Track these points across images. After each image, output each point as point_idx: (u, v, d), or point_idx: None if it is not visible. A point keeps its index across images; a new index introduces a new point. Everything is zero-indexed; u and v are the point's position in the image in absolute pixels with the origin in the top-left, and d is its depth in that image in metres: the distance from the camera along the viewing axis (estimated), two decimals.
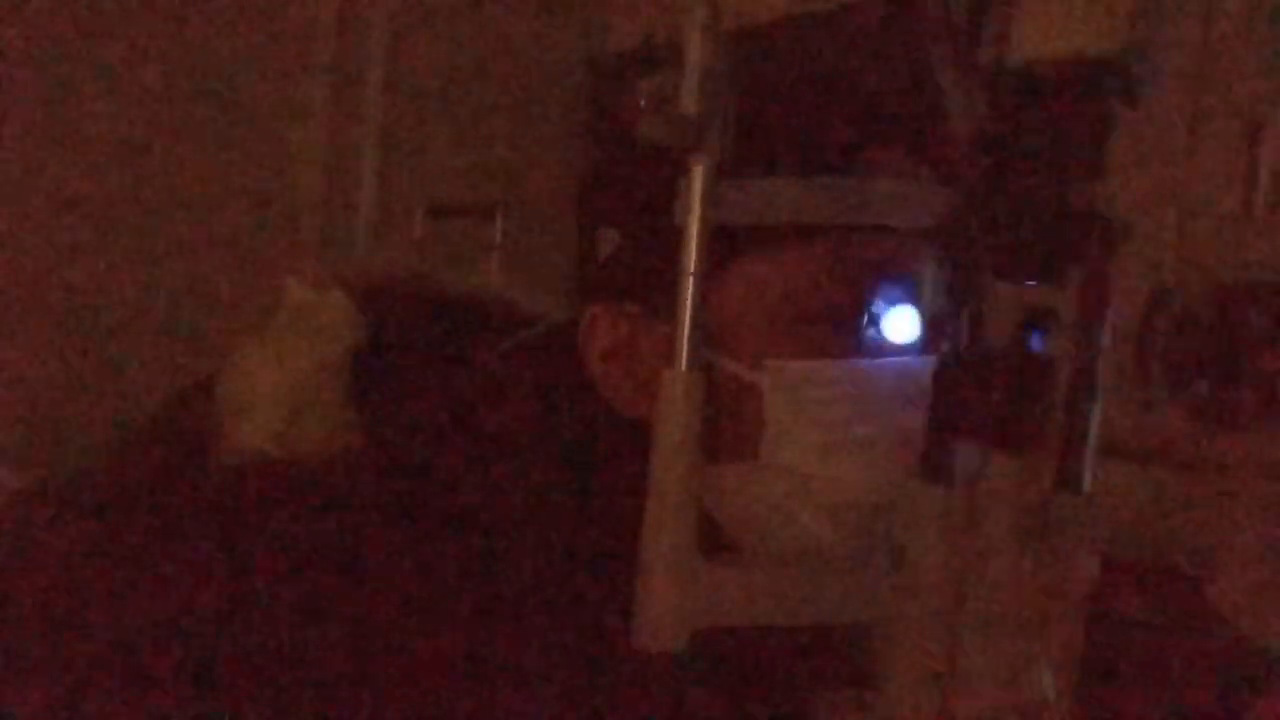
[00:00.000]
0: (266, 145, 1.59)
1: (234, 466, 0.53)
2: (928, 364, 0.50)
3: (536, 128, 1.82)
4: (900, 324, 0.50)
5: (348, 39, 1.66)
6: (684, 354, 0.47)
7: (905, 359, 0.49)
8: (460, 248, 1.71)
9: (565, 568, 0.51)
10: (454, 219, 1.69)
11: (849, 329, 0.49)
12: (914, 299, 0.50)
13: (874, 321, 0.49)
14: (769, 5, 1.33)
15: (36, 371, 1.37)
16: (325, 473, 0.52)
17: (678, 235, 0.47)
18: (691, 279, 0.46)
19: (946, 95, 0.57)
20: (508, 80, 1.80)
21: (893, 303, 0.50)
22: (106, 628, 0.46)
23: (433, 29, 1.73)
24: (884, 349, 0.49)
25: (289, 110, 1.62)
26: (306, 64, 1.63)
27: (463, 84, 1.78)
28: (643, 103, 0.42)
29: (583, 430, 0.53)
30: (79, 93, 1.40)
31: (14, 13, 1.34)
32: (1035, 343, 0.41)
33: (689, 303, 0.46)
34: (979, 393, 0.41)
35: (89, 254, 1.43)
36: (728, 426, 0.49)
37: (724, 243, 0.48)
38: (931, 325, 0.53)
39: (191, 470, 0.55)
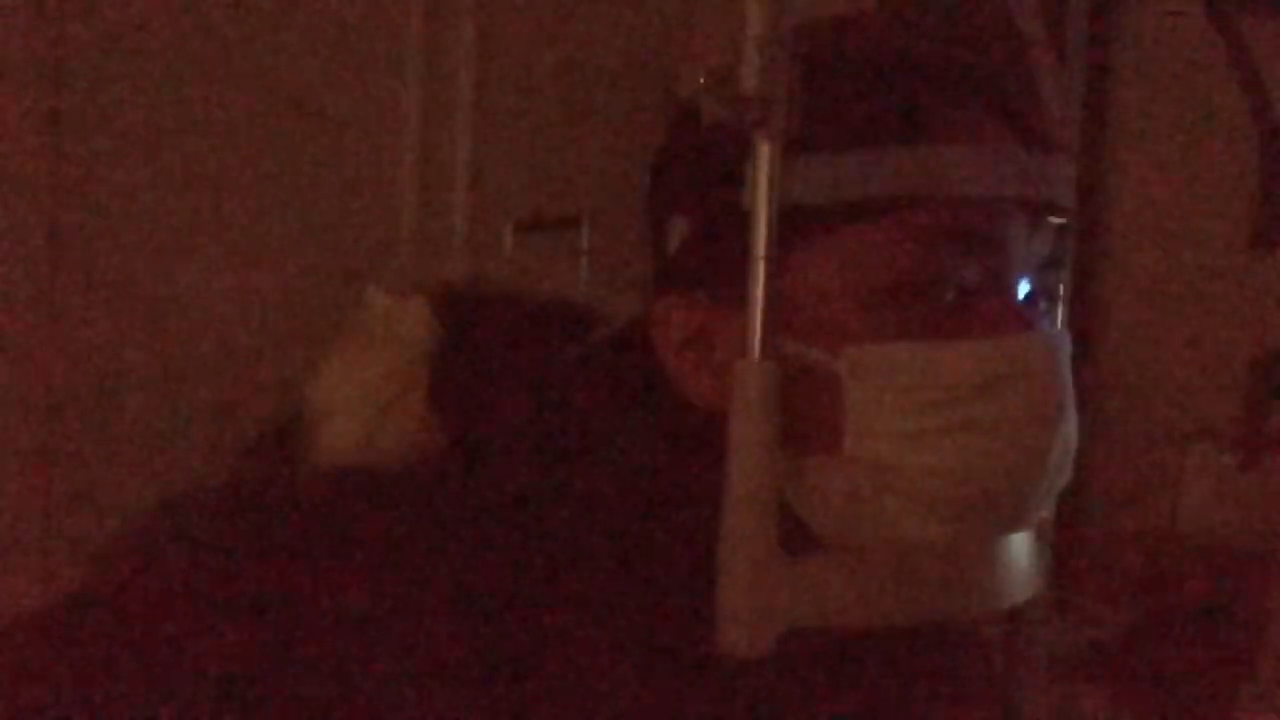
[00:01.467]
0: (359, 163, 1.62)
1: (319, 474, 0.53)
2: (1019, 341, 0.47)
3: (623, 137, 1.82)
4: (993, 300, 0.47)
5: (437, 56, 1.69)
6: (757, 343, 0.45)
7: (997, 339, 0.46)
8: (550, 261, 1.71)
9: (648, 568, 0.50)
10: (543, 232, 1.69)
11: (932, 306, 0.46)
12: (1004, 271, 0.47)
13: (961, 296, 0.46)
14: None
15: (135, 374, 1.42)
16: (408, 477, 0.52)
17: (747, 219, 0.45)
18: (763, 263, 0.44)
19: (1038, 67, 0.54)
20: (594, 91, 1.80)
21: (979, 275, 0.47)
22: (207, 654, 0.46)
23: (521, 38, 1.75)
24: (974, 327, 0.46)
25: (381, 127, 1.65)
26: (397, 79, 1.65)
27: (551, 95, 1.79)
28: (702, 81, 0.40)
29: (660, 425, 0.52)
30: (171, 105, 1.45)
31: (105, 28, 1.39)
32: None
33: (761, 288, 0.45)
34: None
35: (183, 267, 1.47)
36: (808, 417, 0.47)
37: (795, 224, 0.46)
38: (1029, 299, 0.50)
39: (283, 482, 0.55)
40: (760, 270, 0.44)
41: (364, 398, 0.55)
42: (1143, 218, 1.41)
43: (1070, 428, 0.47)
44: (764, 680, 0.47)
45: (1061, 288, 0.54)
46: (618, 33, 1.82)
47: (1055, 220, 0.49)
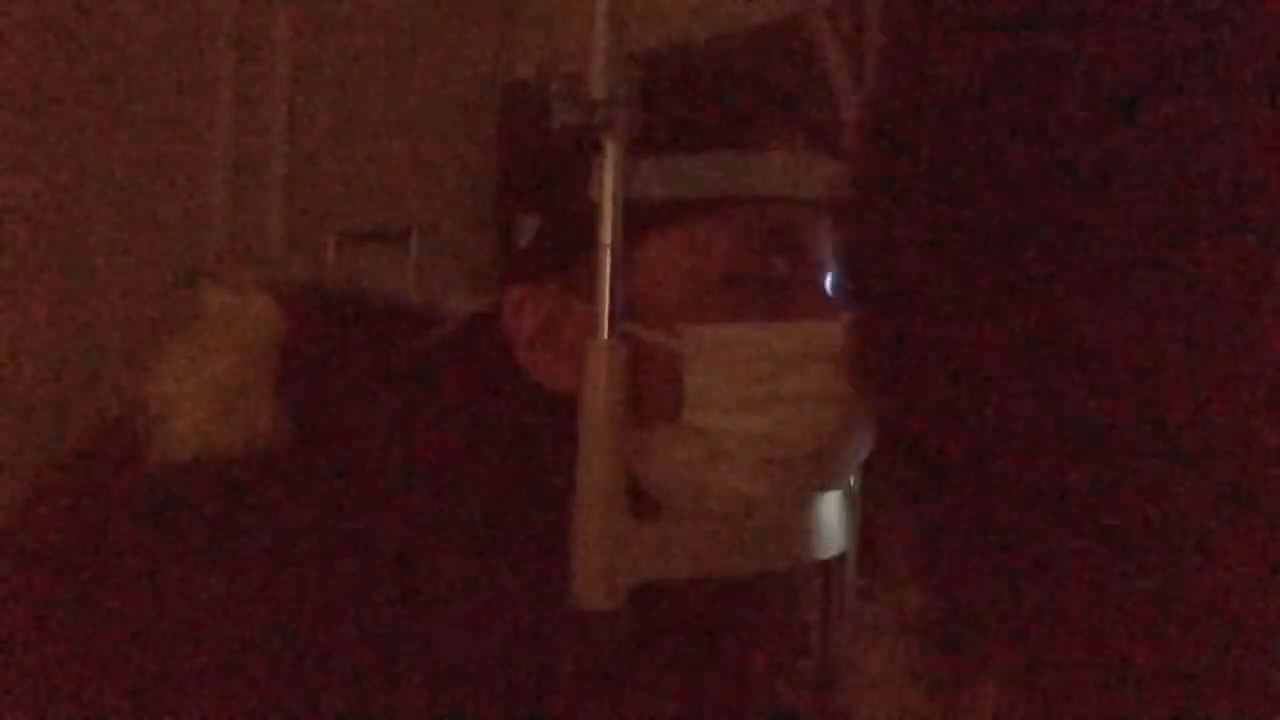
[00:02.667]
0: (170, 161, 1.58)
1: (162, 471, 0.53)
2: (828, 326, 0.53)
3: (447, 149, 1.83)
4: (807, 288, 0.54)
5: (251, 63, 1.66)
6: (605, 324, 0.49)
7: (814, 321, 0.53)
8: (373, 273, 1.70)
9: (504, 540, 0.53)
10: (367, 244, 1.68)
11: (756, 293, 0.52)
12: (814, 265, 0.54)
13: (780, 285, 0.53)
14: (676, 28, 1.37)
15: None
16: (250, 471, 0.52)
17: (594, 213, 0.50)
18: (609, 252, 0.49)
19: (840, 89, 0.62)
20: (416, 101, 1.81)
21: (793, 268, 0.53)
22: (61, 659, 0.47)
23: (339, 50, 1.74)
24: (794, 312, 0.53)
25: (192, 126, 1.60)
26: (208, 76, 1.61)
27: (371, 105, 1.78)
28: (554, 88, 0.45)
29: (512, 410, 0.55)
30: None
31: None
32: None
33: (608, 275, 0.49)
34: None
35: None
36: (651, 394, 0.52)
37: (637, 218, 0.51)
38: (835, 289, 0.56)
39: (125, 479, 0.55)
40: (608, 258, 0.49)
41: (207, 394, 0.54)
42: None
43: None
44: (623, 636, 0.52)
45: None
46: (441, 40, 1.84)
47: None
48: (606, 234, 0.49)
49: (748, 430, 0.51)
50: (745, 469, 0.52)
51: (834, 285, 0.56)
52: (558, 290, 0.54)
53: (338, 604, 0.49)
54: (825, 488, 0.55)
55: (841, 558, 0.70)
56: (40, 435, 1.31)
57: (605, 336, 0.49)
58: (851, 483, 0.65)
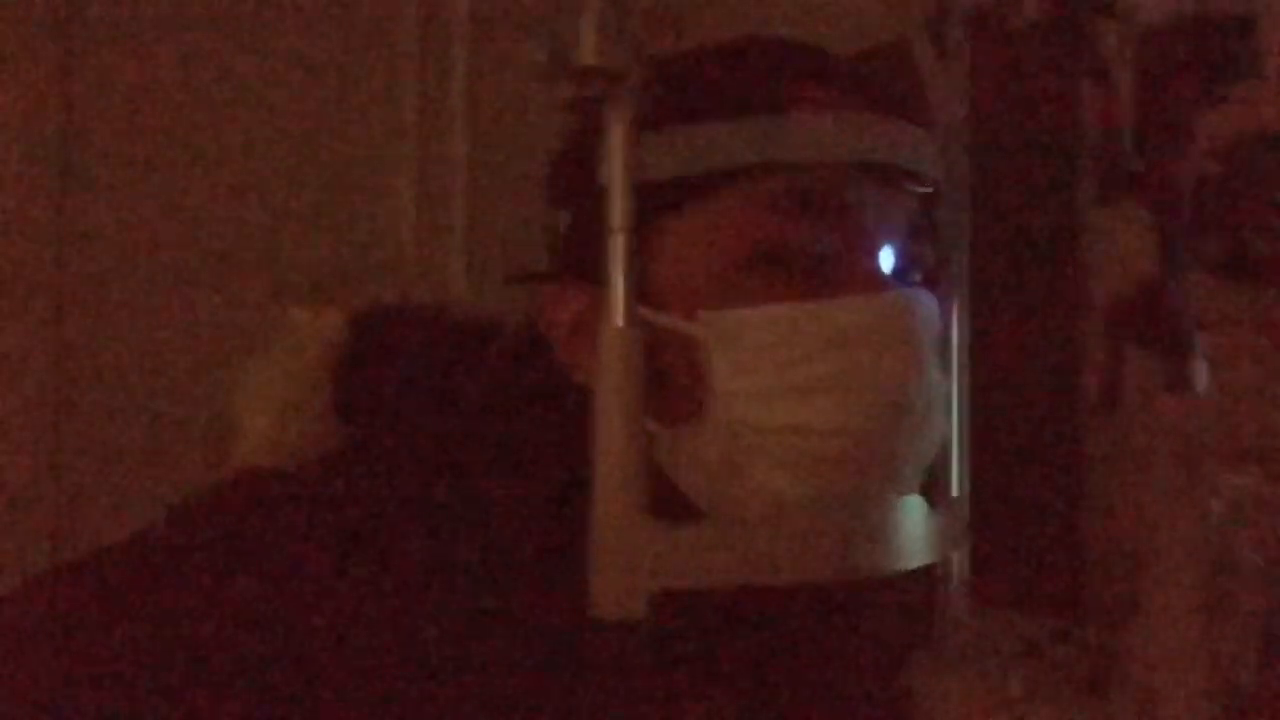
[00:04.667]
0: (356, 209, 1.67)
1: (224, 480, 0.56)
2: (871, 301, 0.48)
3: None
4: (851, 259, 0.49)
5: (430, 120, 1.73)
6: (619, 310, 0.46)
7: (851, 297, 0.48)
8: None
9: (549, 546, 0.51)
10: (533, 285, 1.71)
11: (789, 271, 0.48)
12: (858, 237, 0.49)
13: (817, 260, 0.48)
14: None
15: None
16: (304, 477, 0.54)
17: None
18: (620, 235, 0.46)
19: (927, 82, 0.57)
20: None
21: (833, 241, 0.48)
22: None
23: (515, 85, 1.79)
24: (829, 290, 0.48)
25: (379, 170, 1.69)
26: (394, 114, 1.69)
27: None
28: (539, 58, 0.42)
29: (553, 411, 0.53)
30: (172, 161, 1.51)
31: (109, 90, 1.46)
32: None
33: (620, 258, 0.46)
34: None
35: (175, 313, 1.52)
36: (676, 386, 0.48)
37: (657, 200, 0.47)
38: (898, 269, 0.51)
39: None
40: (618, 241, 0.46)
41: (270, 403, 0.57)
42: None
43: (928, 387, 0.48)
44: (644, 643, 0.48)
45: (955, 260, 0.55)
46: None
47: (917, 189, 0.51)
48: (616, 216, 0.46)
49: (782, 423, 0.47)
50: (781, 466, 0.47)
51: (896, 264, 0.51)
52: (590, 285, 0.52)
53: (393, 605, 0.48)
54: (885, 489, 0.49)
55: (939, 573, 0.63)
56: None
57: (619, 323, 0.46)
58: (955, 487, 0.59)
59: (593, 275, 0.51)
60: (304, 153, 1.61)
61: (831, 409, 0.46)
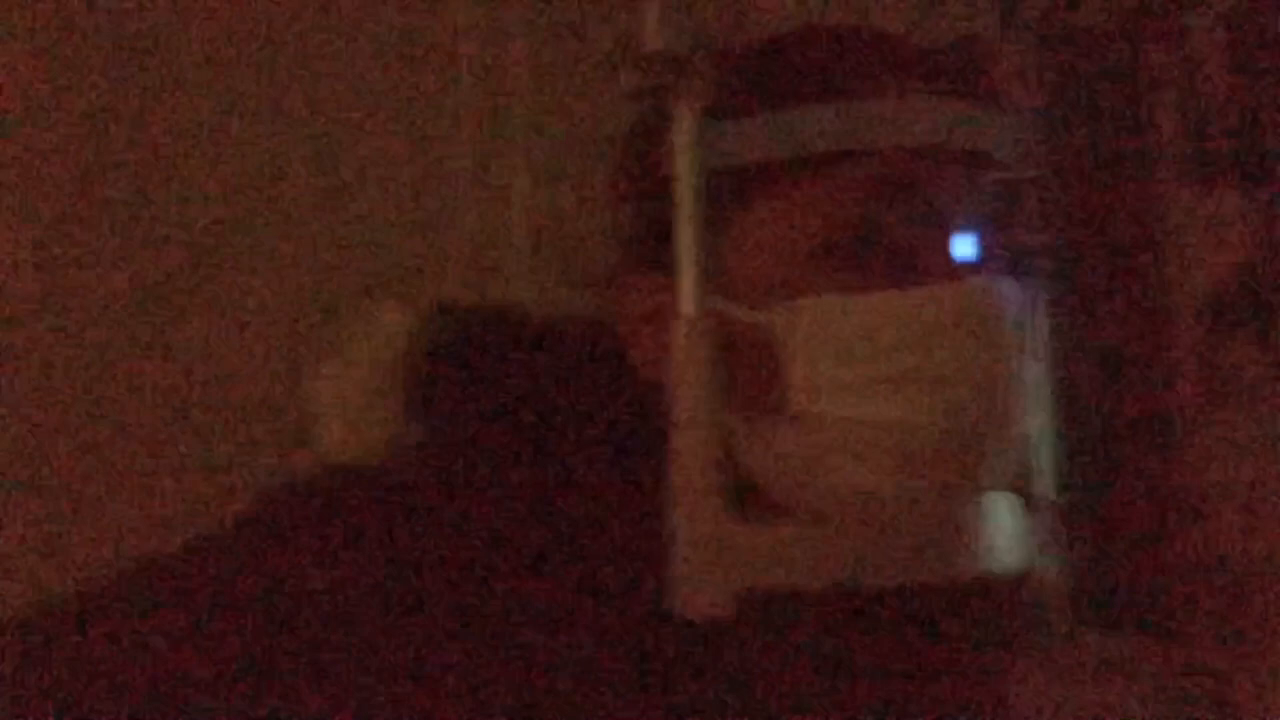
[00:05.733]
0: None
1: (300, 476, 0.56)
2: (954, 289, 0.46)
3: None
4: (932, 248, 0.47)
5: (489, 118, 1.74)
6: (690, 300, 0.45)
7: (934, 286, 0.46)
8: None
9: (620, 541, 0.50)
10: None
11: (868, 259, 0.46)
12: (938, 223, 0.47)
13: (897, 248, 0.46)
14: None
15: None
16: (384, 476, 0.54)
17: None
18: (690, 223, 0.45)
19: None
20: None
21: (912, 228, 0.46)
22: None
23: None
24: (909, 278, 0.46)
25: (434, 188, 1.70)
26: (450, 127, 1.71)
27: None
28: (606, 48, 0.42)
29: (625, 405, 0.52)
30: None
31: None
32: None
33: (691, 247, 0.45)
34: None
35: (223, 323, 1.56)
36: (755, 380, 0.47)
37: (730, 189, 0.46)
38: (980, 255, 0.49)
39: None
40: (688, 230, 0.45)
41: (345, 400, 0.57)
42: None
43: (1015, 376, 0.46)
44: (733, 641, 0.47)
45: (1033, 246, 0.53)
46: None
47: (997, 174, 0.49)
48: (686, 204, 0.45)
49: (864, 416, 0.45)
50: (865, 462, 0.45)
51: (977, 251, 0.49)
52: (663, 278, 0.51)
53: (461, 604, 0.48)
54: (972, 483, 0.47)
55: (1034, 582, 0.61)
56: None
57: (691, 313, 0.45)
58: (1045, 490, 0.56)
59: (664, 266, 0.50)
60: (363, 151, 1.63)
61: (917, 402, 0.44)
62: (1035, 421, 0.48)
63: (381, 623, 0.47)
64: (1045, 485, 0.55)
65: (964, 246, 0.48)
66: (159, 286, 1.49)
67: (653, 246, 0.51)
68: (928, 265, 0.46)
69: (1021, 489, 0.50)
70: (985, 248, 0.49)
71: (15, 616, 0.52)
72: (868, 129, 0.45)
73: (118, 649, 0.49)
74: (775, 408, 0.47)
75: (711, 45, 0.44)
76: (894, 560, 0.46)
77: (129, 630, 0.50)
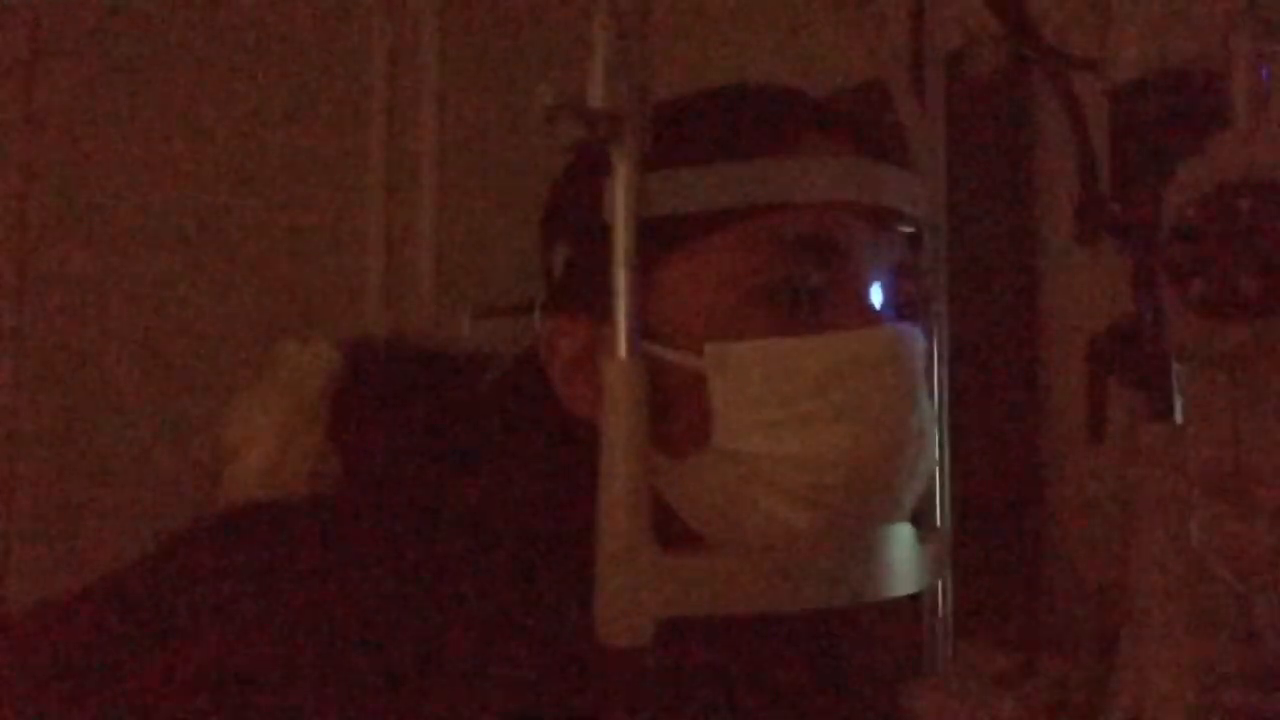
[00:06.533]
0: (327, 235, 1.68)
1: (223, 512, 0.55)
2: (865, 334, 0.50)
3: None
4: (847, 297, 0.50)
5: (397, 154, 1.75)
6: (624, 343, 0.48)
7: (848, 331, 0.49)
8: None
9: (540, 573, 0.52)
10: (500, 319, 1.73)
11: (788, 307, 0.49)
12: (852, 274, 0.51)
13: (813, 296, 0.49)
14: None
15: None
16: (303, 506, 0.54)
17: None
18: (624, 270, 0.47)
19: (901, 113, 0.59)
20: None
21: (829, 278, 0.50)
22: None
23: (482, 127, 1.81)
24: (825, 324, 0.49)
25: (348, 229, 1.70)
26: (362, 171, 1.71)
27: (512, 183, 1.85)
28: (548, 102, 0.44)
29: (547, 442, 0.54)
30: (132, 186, 1.53)
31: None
32: None
33: (624, 293, 0.48)
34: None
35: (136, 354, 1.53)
36: (680, 418, 0.49)
37: (660, 238, 0.49)
38: (888, 304, 0.53)
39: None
40: (623, 277, 0.47)
41: (266, 436, 0.58)
42: None
43: (923, 417, 0.50)
44: (647, 668, 0.49)
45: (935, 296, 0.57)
46: None
47: (903, 229, 0.53)
48: (621, 253, 0.47)
49: (784, 453, 0.48)
50: (783, 495, 0.48)
51: (885, 300, 0.53)
52: (590, 319, 0.53)
53: (379, 636, 0.49)
54: (882, 518, 0.51)
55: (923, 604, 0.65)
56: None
57: (624, 355, 0.47)
58: (938, 520, 0.60)
59: (593, 309, 0.52)
60: (270, 187, 1.62)
61: (832, 439, 0.48)
62: (933, 458, 0.52)
63: (299, 662, 0.47)
64: (939, 516, 0.59)
65: (874, 295, 0.52)
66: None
67: (581, 288, 0.54)
68: (841, 313, 0.50)
69: (919, 519, 0.54)
70: (891, 297, 0.53)
71: None
72: (790, 185, 0.49)
73: None
74: (698, 445, 0.50)
75: (648, 101, 0.47)
76: (805, 588, 0.49)
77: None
